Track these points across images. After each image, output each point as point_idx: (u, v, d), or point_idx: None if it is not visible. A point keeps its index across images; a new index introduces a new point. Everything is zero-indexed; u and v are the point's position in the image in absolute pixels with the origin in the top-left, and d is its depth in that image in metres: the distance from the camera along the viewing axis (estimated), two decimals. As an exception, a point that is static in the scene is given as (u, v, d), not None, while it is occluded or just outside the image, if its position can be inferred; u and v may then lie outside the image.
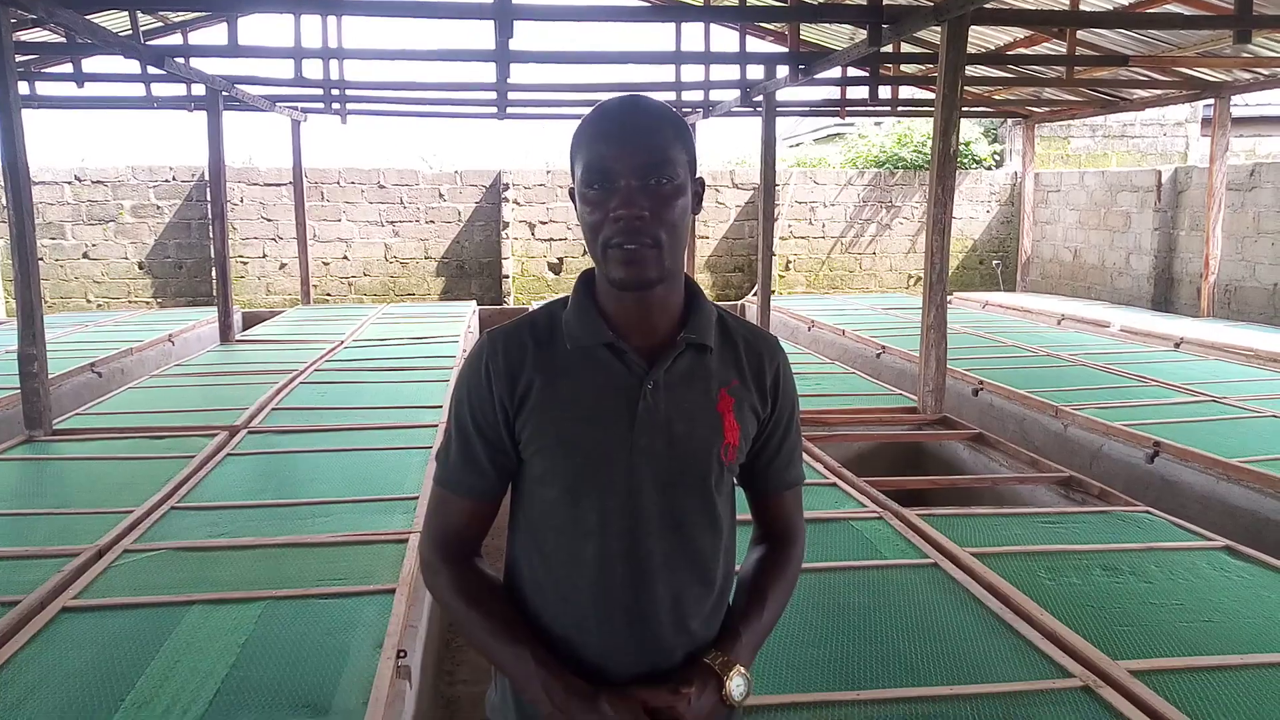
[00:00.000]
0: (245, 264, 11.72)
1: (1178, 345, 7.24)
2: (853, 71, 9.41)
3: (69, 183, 11.33)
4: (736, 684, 1.21)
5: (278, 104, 9.81)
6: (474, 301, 11.34)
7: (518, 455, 1.25)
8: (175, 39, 8.66)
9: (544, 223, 12.25)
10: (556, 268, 12.33)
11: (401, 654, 2.36)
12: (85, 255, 11.47)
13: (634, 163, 1.15)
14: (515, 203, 12.09)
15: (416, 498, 3.63)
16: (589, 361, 1.23)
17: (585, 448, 1.21)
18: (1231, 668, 2.37)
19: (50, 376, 5.03)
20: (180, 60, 7.24)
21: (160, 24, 8.48)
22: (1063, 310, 9.36)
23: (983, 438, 4.84)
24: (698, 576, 1.26)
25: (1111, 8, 7.11)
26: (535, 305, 1.39)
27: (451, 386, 5.82)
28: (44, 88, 9.31)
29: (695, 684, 1.19)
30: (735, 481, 1.34)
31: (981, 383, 5.91)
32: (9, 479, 4.18)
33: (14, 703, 2.16)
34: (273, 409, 5.30)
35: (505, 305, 11.87)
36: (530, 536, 1.27)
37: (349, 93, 9.78)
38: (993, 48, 8.72)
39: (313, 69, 8.64)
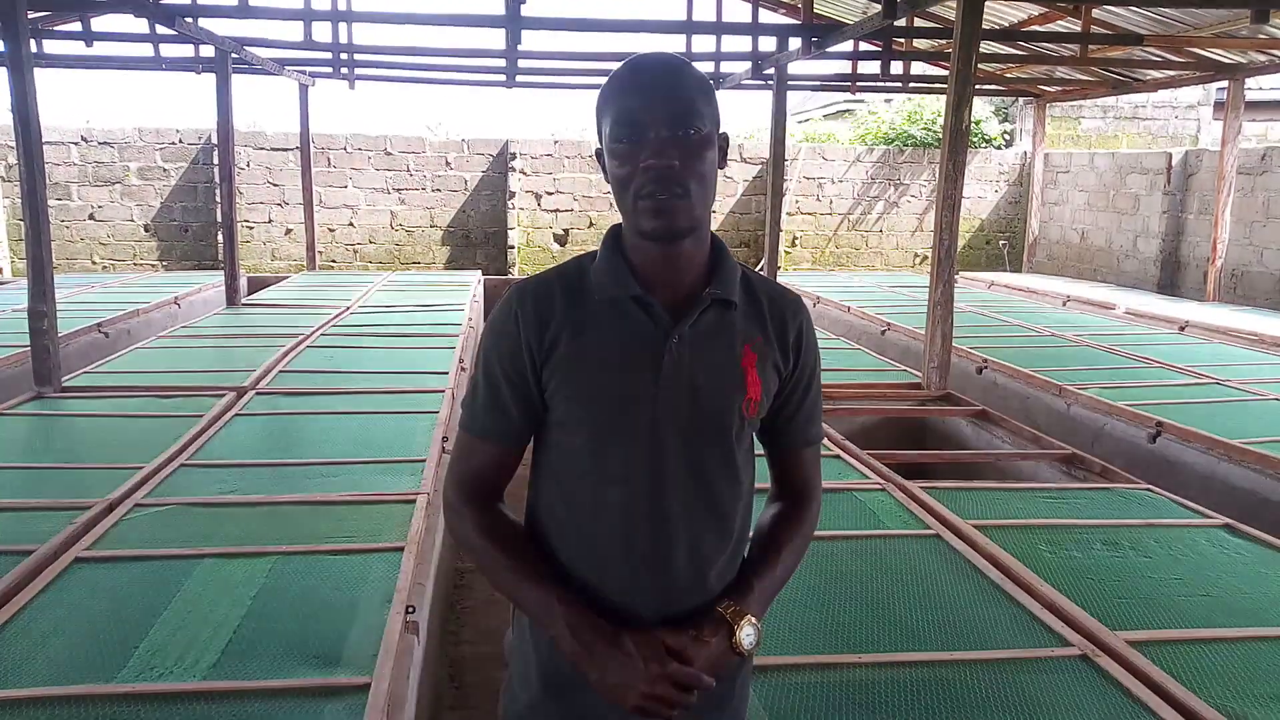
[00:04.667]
0: (251, 229, 11.71)
1: (1183, 328, 7.25)
2: (865, 46, 9.34)
3: (75, 143, 11.30)
4: (746, 633, 1.23)
5: (286, 68, 9.75)
6: (479, 271, 11.33)
7: (543, 403, 1.28)
8: (184, -1, 8.59)
9: (550, 193, 12.21)
10: (562, 239, 12.31)
11: (411, 610, 2.40)
12: (91, 217, 11.46)
13: (663, 114, 1.17)
14: (522, 172, 12.04)
15: (424, 460, 3.66)
16: (616, 313, 1.25)
17: (610, 397, 1.24)
18: (1228, 640, 2.40)
19: (58, 335, 5.04)
20: (190, 20, 7.20)
21: (169, -17, 8.41)
22: (1068, 292, 9.34)
23: (986, 414, 4.86)
24: (716, 526, 1.29)
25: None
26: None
27: (458, 353, 5.85)
28: (52, 46, 9.25)
29: (706, 630, 1.22)
30: (755, 438, 1.36)
31: (986, 361, 5.92)
32: (19, 434, 4.21)
33: (30, 648, 2.19)
34: (280, 371, 5.32)
35: (510, 275, 11.86)
36: (554, 483, 1.30)
37: (358, 57, 9.72)
38: (1006, 24, 8.65)
39: (322, 32, 8.58)
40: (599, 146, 1.25)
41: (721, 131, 1.25)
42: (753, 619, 1.25)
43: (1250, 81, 9.22)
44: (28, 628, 2.29)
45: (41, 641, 2.23)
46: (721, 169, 1.27)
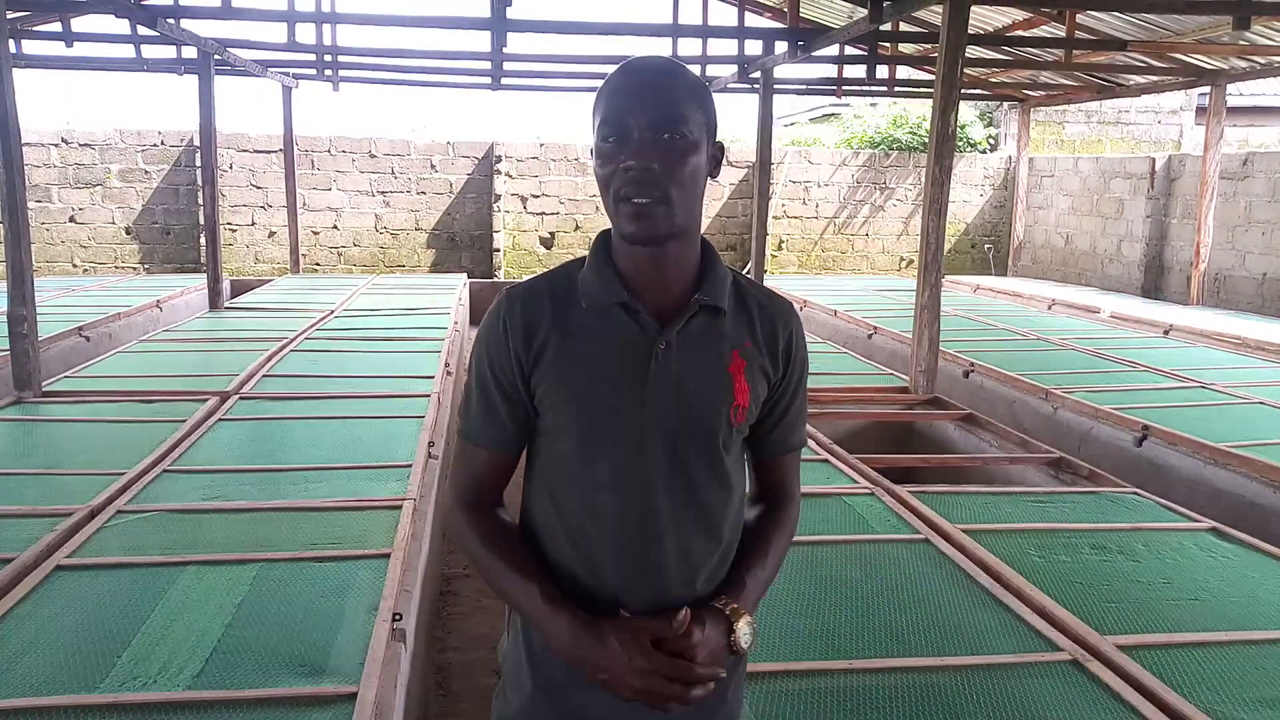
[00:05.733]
0: (234, 231, 11.62)
1: (1167, 332, 7.30)
2: (851, 50, 9.37)
3: (55, 145, 11.18)
4: (744, 631, 1.24)
5: (269, 69, 9.69)
6: (464, 274, 11.28)
7: (534, 408, 1.28)
8: None
9: (536, 196, 12.18)
10: (548, 242, 12.28)
11: (397, 617, 2.37)
12: (71, 219, 11.34)
13: (647, 116, 1.17)
14: (508, 175, 12.01)
15: (410, 465, 3.63)
16: (603, 320, 1.25)
17: (598, 404, 1.24)
18: (1216, 644, 2.41)
19: (38, 339, 4.98)
20: (172, 21, 7.14)
21: (151, -16, 8.33)
22: (1053, 295, 9.40)
23: (973, 418, 4.87)
24: (705, 531, 1.29)
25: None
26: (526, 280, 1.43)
27: (443, 357, 5.81)
28: (31, 47, 9.15)
29: (707, 623, 1.21)
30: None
31: (972, 364, 5.93)
32: (-2, 439, 4.16)
33: (11, 657, 2.15)
34: (264, 376, 5.28)
35: (496, 279, 11.82)
36: (545, 487, 1.30)
37: (341, 59, 9.68)
38: (992, 29, 8.69)
39: (305, 34, 8.53)
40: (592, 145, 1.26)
41: (717, 141, 1.25)
42: (749, 618, 1.25)
43: (1231, 87, 9.30)
44: (7, 637, 2.25)
45: (21, 651, 2.19)
46: (713, 179, 1.26)
